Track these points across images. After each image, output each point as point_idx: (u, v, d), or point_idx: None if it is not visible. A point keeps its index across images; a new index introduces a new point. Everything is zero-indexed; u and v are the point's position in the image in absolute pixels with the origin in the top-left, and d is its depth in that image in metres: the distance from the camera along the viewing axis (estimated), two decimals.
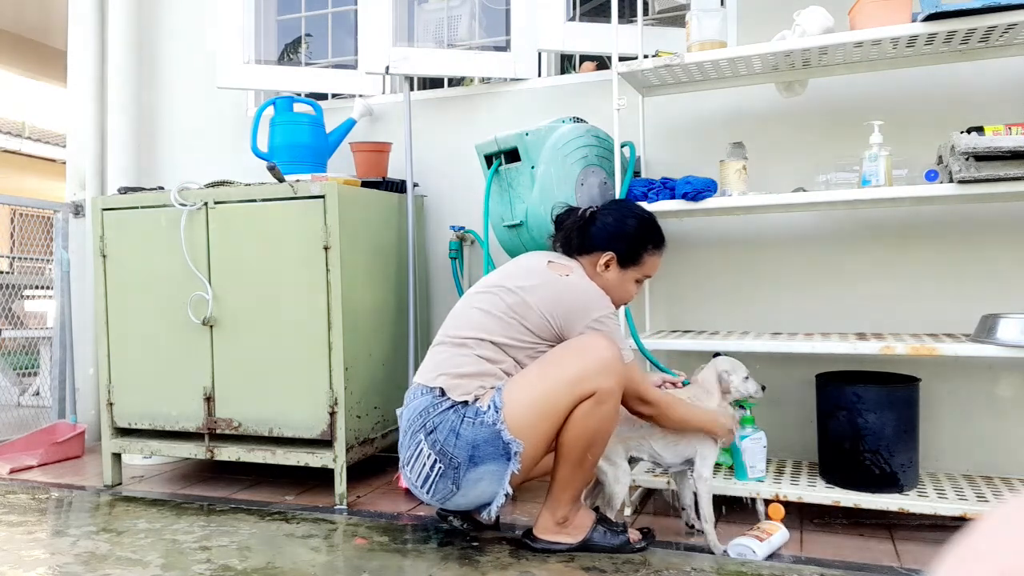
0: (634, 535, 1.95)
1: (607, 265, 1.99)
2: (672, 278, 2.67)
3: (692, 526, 2.09)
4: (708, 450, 2.00)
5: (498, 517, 2.10)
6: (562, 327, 1.88)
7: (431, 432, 1.82)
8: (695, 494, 2.01)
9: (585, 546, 1.92)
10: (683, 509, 2.13)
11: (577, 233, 2.01)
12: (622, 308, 2.29)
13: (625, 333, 2.25)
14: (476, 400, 1.82)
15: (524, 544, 1.95)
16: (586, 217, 2.03)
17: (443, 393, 1.83)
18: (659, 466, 2.10)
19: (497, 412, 1.78)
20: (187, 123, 3.45)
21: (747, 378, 2.08)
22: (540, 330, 1.88)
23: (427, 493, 1.87)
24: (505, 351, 1.88)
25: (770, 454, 2.37)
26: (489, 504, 1.85)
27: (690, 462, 2.02)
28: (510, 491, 1.82)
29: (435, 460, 1.82)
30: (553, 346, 1.90)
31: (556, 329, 1.88)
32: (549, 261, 1.97)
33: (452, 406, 1.81)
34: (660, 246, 2.04)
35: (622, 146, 2.43)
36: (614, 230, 1.99)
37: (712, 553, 1.92)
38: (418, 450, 1.84)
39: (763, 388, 2.09)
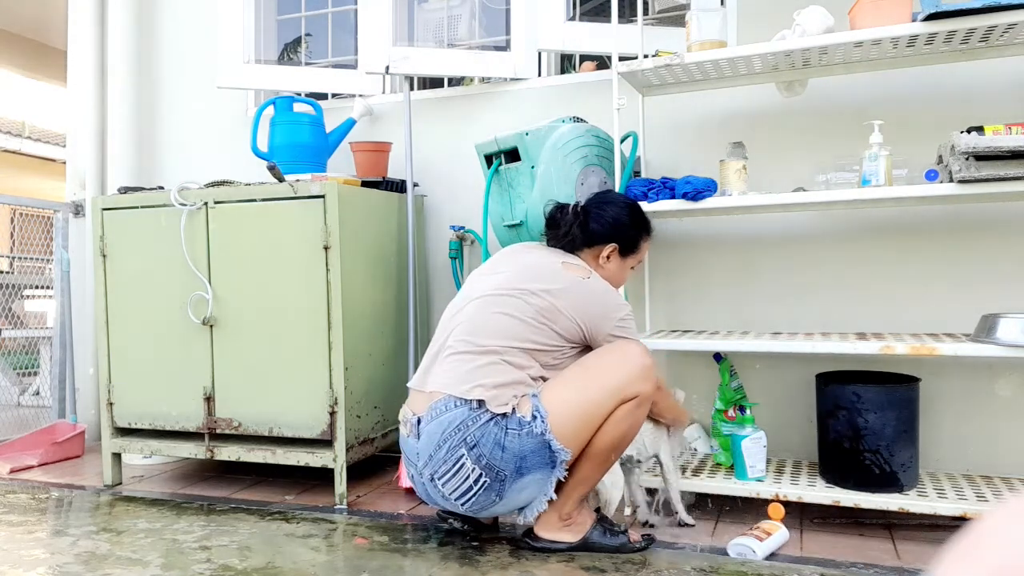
0: (634, 535, 1.95)
1: (609, 256, 2.05)
2: (672, 278, 2.67)
3: (648, 523, 2.14)
4: (670, 444, 2.11)
5: (496, 517, 2.11)
6: (590, 329, 1.91)
7: (473, 447, 1.78)
8: (650, 490, 2.13)
9: (584, 545, 1.92)
10: (636, 507, 2.17)
11: (580, 229, 2.03)
12: None
13: None
14: (514, 411, 1.80)
15: (524, 543, 1.95)
16: (580, 213, 2.05)
17: (481, 404, 1.79)
18: (629, 463, 2.13)
19: (544, 421, 1.78)
20: (187, 123, 3.45)
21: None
22: (569, 333, 1.89)
23: (464, 505, 1.85)
24: (534, 356, 1.87)
25: (770, 454, 2.37)
26: (524, 508, 1.87)
27: (656, 457, 2.10)
28: (553, 496, 1.85)
29: (480, 474, 1.79)
30: (575, 347, 1.92)
31: (585, 332, 1.91)
32: (563, 263, 1.97)
33: (492, 418, 1.78)
34: (651, 232, 2.15)
35: (623, 139, 2.43)
36: (614, 222, 2.04)
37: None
38: (458, 465, 1.80)
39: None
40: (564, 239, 2.04)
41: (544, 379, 1.89)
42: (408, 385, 2.01)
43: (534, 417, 1.78)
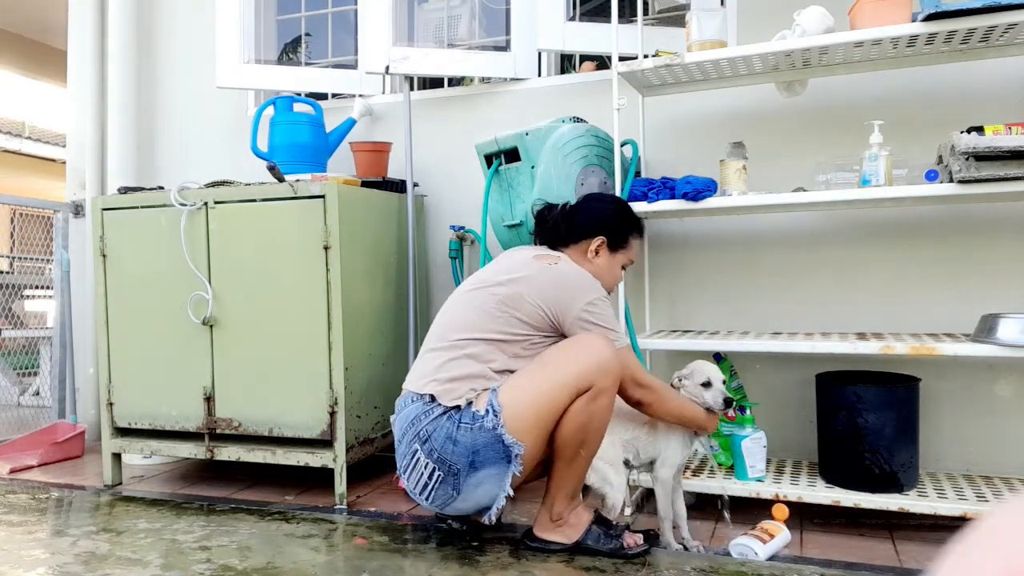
0: (632, 539, 1.91)
1: (597, 251, 2.04)
2: (672, 278, 2.67)
3: (651, 530, 2.00)
4: (670, 452, 1.98)
5: (499, 517, 2.10)
6: (556, 314, 1.88)
7: (425, 441, 1.81)
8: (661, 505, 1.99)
9: (578, 548, 1.91)
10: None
11: (564, 223, 2.04)
12: (622, 308, 2.29)
13: (624, 333, 2.25)
14: (470, 404, 1.81)
15: (523, 543, 1.95)
16: (567, 209, 2.07)
17: (433, 399, 1.82)
18: (628, 466, 2.05)
19: (496, 416, 1.78)
20: (187, 123, 3.45)
21: (708, 385, 1.96)
22: (534, 319, 1.87)
23: (427, 500, 1.87)
24: (498, 347, 1.86)
25: (770, 454, 2.37)
26: (489, 507, 1.85)
27: (652, 463, 2.02)
28: (511, 492, 1.82)
29: (433, 468, 1.81)
30: (548, 336, 1.90)
31: (551, 317, 1.88)
32: (535, 255, 1.97)
33: (445, 412, 1.80)
34: (642, 231, 2.15)
35: (623, 144, 2.43)
36: (601, 215, 2.05)
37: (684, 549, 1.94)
38: (415, 459, 1.84)
39: (728, 403, 1.96)
40: (551, 233, 2.05)
41: (512, 372, 1.87)
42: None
43: (487, 412, 1.78)
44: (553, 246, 2.05)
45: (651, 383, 1.94)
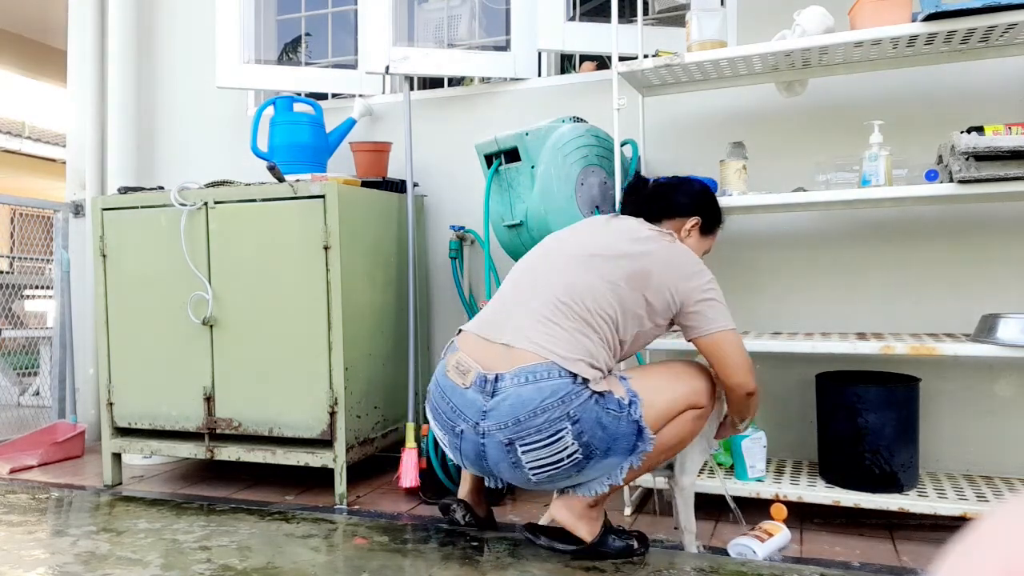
0: (634, 541, 1.90)
1: (690, 231, 1.99)
2: None
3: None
4: (690, 459, 1.94)
5: (492, 514, 2.09)
6: (678, 295, 1.81)
7: (576, 422, 1.69)
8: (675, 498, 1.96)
9: (594, 547, 1.84)
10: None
11: (663, 196, 2.00)
12: None
13: None
14: (611, 392, 1.73)
15: (536, 536, 1.87)
16: (661, 183, 2.04)
17: (584, 382, 1.71)
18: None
19: (639, 408, 1.73)
20: (187, 123, 3.45)
21: None
22: (657, 302, 1.81)
23: (536, 475, 1.74)
24: (617, 328, 1.79)
25: (770, 454, 2.37)
26: (579, 485, 1.80)
27: (670, 467, 1.97)
28: (620, 483, 1.79)
29: (575, 450, 1.71)
30: (656, 328, 1.85)
31: (673, 299, 1.81)
32: (649, 228, 1.91)
33: (591, 396, 1.71)
34: (724, 222, 2.08)
35: (623, 144, 2.43)
36: (700, 195, 2.01)
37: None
38: (557, 437, 1.69)
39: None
40: (647, 205, 1.99)
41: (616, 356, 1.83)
42: (469, 329, 1.87)
43: (631, 402, 1.73)
44: (648, 217, 1.99)
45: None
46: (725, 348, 1.81)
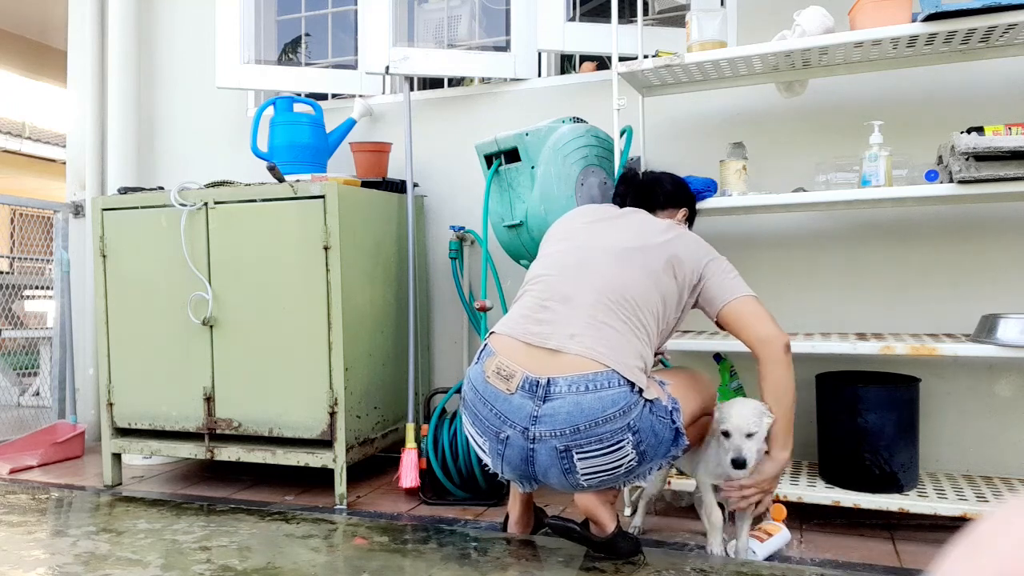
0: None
1: (681, 222, 2.08)
2: None
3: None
4: (709, 455, 1.91)
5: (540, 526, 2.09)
6: (707, 274, 1.86)
7: (636, 432, 1.69)
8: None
9: (612, 540, 1.83)
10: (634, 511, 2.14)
11: (658, 186, 2.06)
12: None
13: None
14: (658, 398, 1.74)
15: (575, 528, 1.85)
16: (649, 174, 2.10)
17: (641, 391, 1.70)
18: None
19: (680, 414, 1.76)
20: (187, 123, 3.45)
21: (727, 435, 1.79)
22: (687, 285, 1.86)
23: (588, 481, 1.73)
24: (658, 320, 1.82)
25: None
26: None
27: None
28: (650, 479, 1.89)
29: (632, 457, 1.71)
30: (677, 318, 1.90)
31: (702, 278, 1.86)
32: (661, 219, 1.97)
33: (646, 404, 1.71)
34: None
35: (621, 133, 2.43)
36: (686, 187, 2.10)
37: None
38: (618, 446, 1.68)
39: (737, 464, 1.77)
40: (645, 194, 2.05)
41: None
42: (503, 332, 1.81)
43: (674, 409, 1.74)
44: (648, 207, 2.04)
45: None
46: (752, 305, 1.85)
